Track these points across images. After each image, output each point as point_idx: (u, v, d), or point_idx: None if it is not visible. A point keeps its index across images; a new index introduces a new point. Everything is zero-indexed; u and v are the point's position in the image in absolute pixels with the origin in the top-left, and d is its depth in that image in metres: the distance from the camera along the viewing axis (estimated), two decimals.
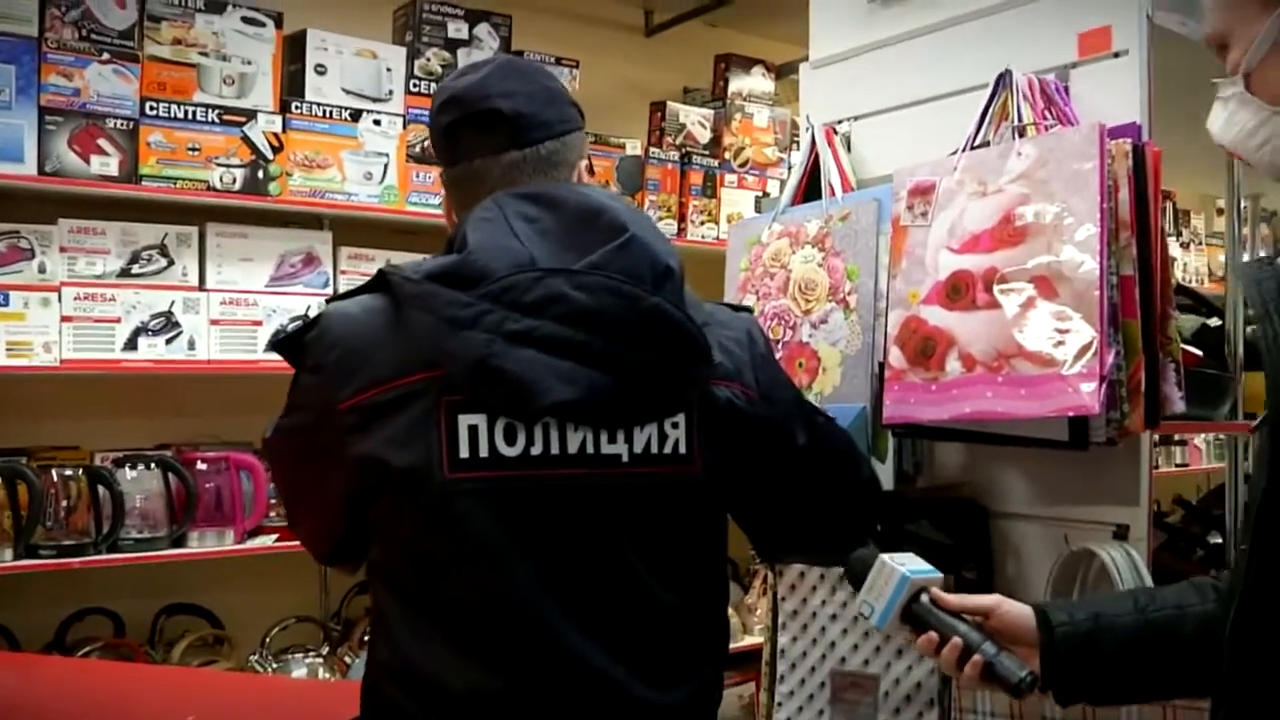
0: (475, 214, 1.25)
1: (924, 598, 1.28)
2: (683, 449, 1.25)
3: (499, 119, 1.30)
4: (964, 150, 1.58)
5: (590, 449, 1.21)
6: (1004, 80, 1.57)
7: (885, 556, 1.31)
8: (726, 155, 3.83)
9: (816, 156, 1.97)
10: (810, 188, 1.99)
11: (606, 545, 1.22)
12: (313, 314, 1.29)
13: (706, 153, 3.81)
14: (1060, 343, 1.40)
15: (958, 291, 1.53)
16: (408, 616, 1.25)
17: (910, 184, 1.63)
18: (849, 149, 1.99)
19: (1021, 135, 1.52)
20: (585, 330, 1.18)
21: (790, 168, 3.93)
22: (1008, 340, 1.46)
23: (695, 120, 3.83)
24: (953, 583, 1.36)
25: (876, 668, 1.84)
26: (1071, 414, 1.40)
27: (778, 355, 1.88)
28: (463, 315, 1.17)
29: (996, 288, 1.48)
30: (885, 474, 1.74)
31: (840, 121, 2.00)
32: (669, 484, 1.25)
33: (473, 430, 1.19)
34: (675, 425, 1.25)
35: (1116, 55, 1.58)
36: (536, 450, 1.20)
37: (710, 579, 1.34)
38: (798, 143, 3.94)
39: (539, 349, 1.17)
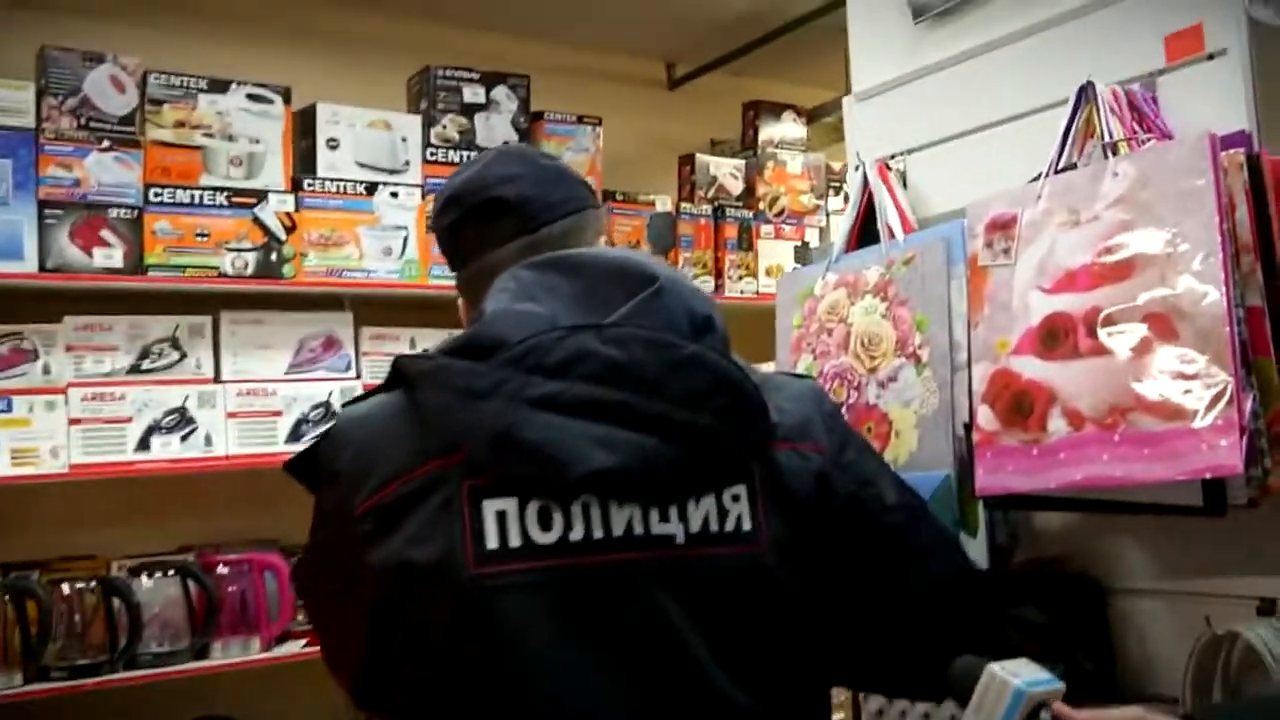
0: (494, 287, 1.15)
1: (1045, 715, 1.07)
2: (746, 525, 1.09)
3: (502, 207, 1.25)
4: (1048, 175, 1.37)
5: (639, 530, 1.06)
6: (1086, 93, 1.37)
7: (994, 666, 1.10)
8: (761, 206, 3.66)
9: (870, 197, 1.77)
10: (865, 232, 1.79)
11: (667, 641, 1.06)
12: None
13: (740, 204, 3.64)
14: (1188, 390, 1.19)
15: (1055, 338, 1.32)
16: None
17: (988, 218, 1.43)
18: (905, 186, 1.79)
19: (1113, 154, 1.32)
20: (619, 388, 1.05)
21: (829, 214, 3.76)
22: (1122, 391, 1.24)
23: (727, 171, 3.67)
24: (1063, 673, 1.14)
25: None
26: (1209, 475, 1.18)
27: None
28: (479, 385, 1.05)
29: (1102, 331, 1.27)
30: (977, 550, 1.52)
31: (893, 156, 1.80)
32: (733, 568, 1.09)
33: (501, 516, 1.05)
34: (736, 498, 1.10)
35: (1211, 57, 1.38)
36: (576, 535, 1.05)
37: (795, 680, 1.14)
38: (835, 188, 3.78)
39: (568, 414, 1.04)
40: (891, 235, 1.70)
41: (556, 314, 1.09)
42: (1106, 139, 1.33)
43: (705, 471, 1.08)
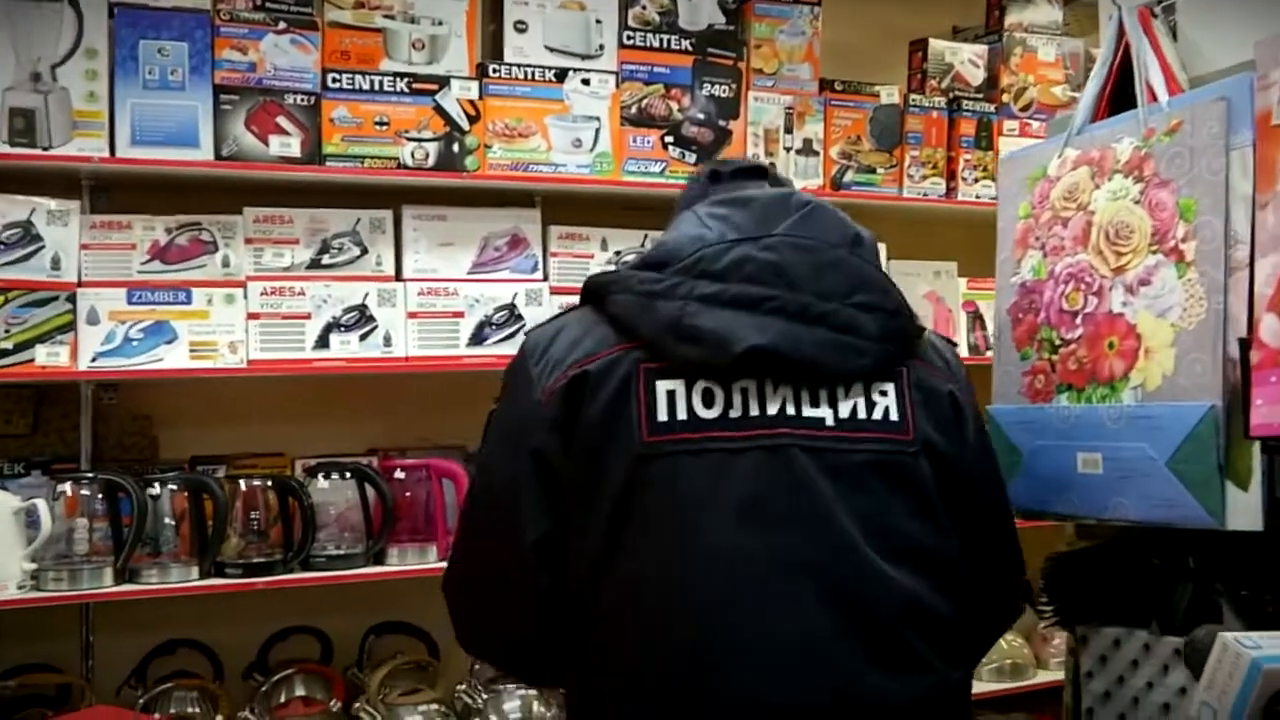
0: (675, 220, 1.35)
1: None
2: (894, 416, 1.23)
3: (764, 172, 1.40)
4: None
5: (791, 410, 1.21)
6: None
7: (1230, 636, 0.98)
8: (1005, 98, 3.22)
9: (1126, 52, 1.39)
10: (1118, 98, 1.42)
11: (817, 506, 1.19)
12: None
13: (980, 96, 3.21)
14: None
15: None
16: (609, 641, 1.23)
17: None
18: (1174, 38, 1.40)
19: None
20: (771, 285, 1.21)
21: None
22: None
23: (965, 59, 3.24)
24: None
25: None
26: None
27: (1078, 331, 1.34)
28: (657, 288, 1.23)
29: None
30: (1249, 509, 1.16)
31: (1160, 1, 1.41)
32: (881, 453, 1.22)
33: (670, 395, 1.21)
34: (884, 393, 1.24)
35: None
36: (735, 413, 1.20)
37: (949, 563, 1.24)
38: None
39: (728, 307, 1.21)
40: (1153, 98, 1.32)
41: (724, 234, 1.25)
42: None
43: (850, 360, 1.21)
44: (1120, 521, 1.30)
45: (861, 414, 1.21)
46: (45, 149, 2.26)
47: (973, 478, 1.28)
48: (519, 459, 1.24)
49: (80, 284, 2.33)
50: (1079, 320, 1.35)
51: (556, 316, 1.35)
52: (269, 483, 2.49)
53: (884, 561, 1.18)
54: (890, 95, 3.09)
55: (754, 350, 1.18)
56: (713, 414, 1.20)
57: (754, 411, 1.20)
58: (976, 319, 3.19)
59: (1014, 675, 3.06)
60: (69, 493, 2.33)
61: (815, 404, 1.20)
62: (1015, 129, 3.19)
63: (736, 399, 1.20)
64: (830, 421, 1.20)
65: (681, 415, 1.20)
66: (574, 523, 1.24)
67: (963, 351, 3.15)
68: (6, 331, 2.25)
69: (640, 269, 1.27)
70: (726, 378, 1.20)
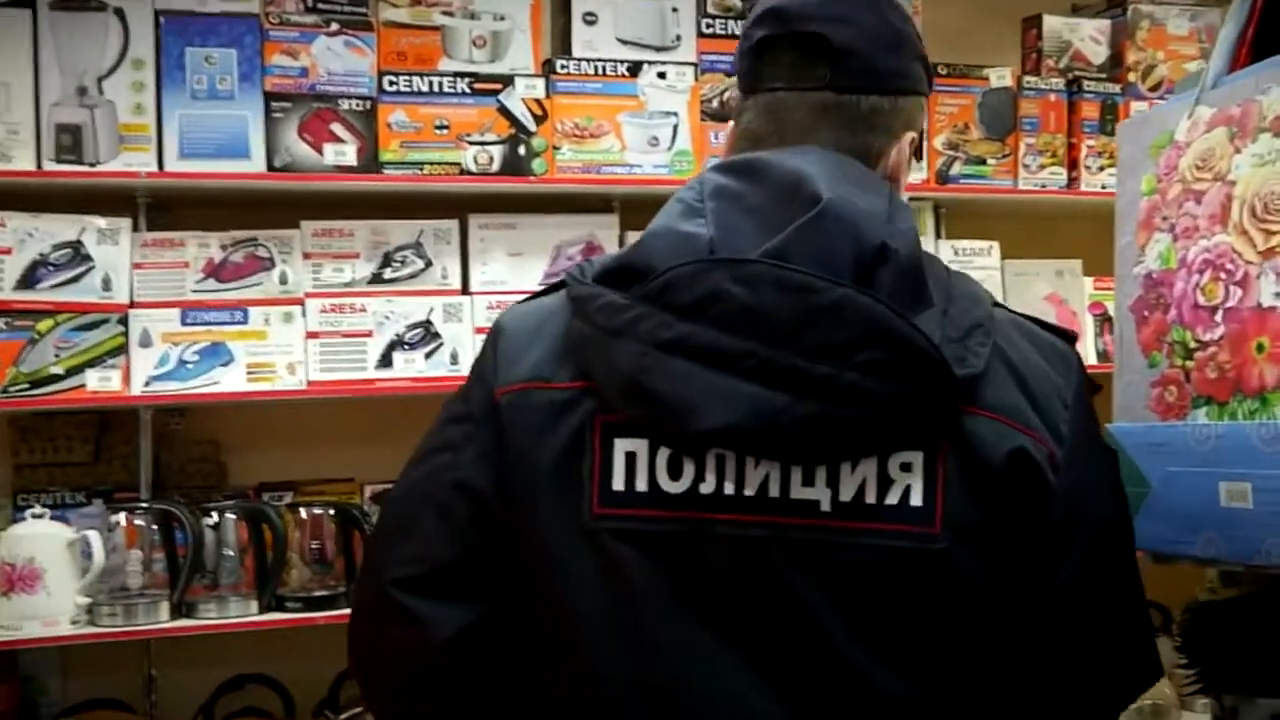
0: (677, 193, 1.05)
1: None
2: (916, 499, 0.95)
3: (823, 48, 1.06)
4: None
5: (775, 491, 0.96)
6: None
7: None
8: (1131, 77, 2.92)
9: None
10: (1262, 41, 1.16)
11: (797, 622, 0.95)
12: None
13: (1103, 76, 2.92)
14: None
15: None
16: None
17: None
18: None
19: None
20: (747, 336, 0.94)
21: None
22: None
23: (1085, 36, 2.94)
24: None
25: None
26: None
27: (1218, 331, 1.09)
28: (616, 323, 0.98)
29: None
30: None
31: None
32: (890, 548, 0.95)
33: (630, 458, 0.99)
34: (906, 467, 0.96)
35: None
36: (707, 488, 0.97)
37: (977, 671, 0.99)
38: None
39: (695, 360, 0.94)
40: None
41: (720, 236, 0.98)
42: None
43: (859, 433, 0.94)
44: (1276, 570, 1.05)
45: (870, 497, 0.95)
46: (92, 165, 2.18)
47: (1053, 542, 1.00)
48: (440, 481, 1.05)
49: (132, 305, 2.25)
50: (1219, 317, 1.09)
51: (541, 294, 1.10)
52: (331, 511, 2.36)
53: (884, 669, 0.95)
54: (1001, 78, 2.82)
55: (717, 431, 0.93)
56: (680, 487, 0.97)
57: (729, 489, 0.96)
58: (1105, 321, 2.90)
59: (1155, 719, 2.74)
60: (124, 523, 2.24)
61: (809, 481, 0.95)
62: (1144, 110, 2.89)
63: (710, 473, 0.97)
64: (826, 506, 0.95)
65: (641, 486, 0.98)
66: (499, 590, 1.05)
67: (1090, 359, 2.86)
68: (57, 356, 2.18)
69: (609, 280, 1.01)
70: (692, 449, 0.97)
